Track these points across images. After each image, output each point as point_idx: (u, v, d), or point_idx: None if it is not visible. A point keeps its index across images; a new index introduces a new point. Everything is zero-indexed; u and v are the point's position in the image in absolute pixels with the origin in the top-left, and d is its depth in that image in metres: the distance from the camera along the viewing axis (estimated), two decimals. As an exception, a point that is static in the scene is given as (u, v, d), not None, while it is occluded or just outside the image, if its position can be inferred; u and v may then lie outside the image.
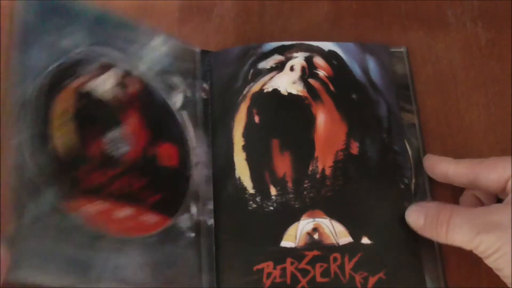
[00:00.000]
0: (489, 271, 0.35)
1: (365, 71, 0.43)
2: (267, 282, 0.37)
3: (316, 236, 0.38)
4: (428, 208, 0.37)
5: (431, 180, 0.41)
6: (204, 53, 0.43)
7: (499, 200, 0.38)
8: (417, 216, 0.38)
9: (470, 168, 0.38)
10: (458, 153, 0.42)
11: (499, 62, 0.46)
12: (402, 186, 0.40)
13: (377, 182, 0.40)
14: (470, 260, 0.38)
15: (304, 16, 0.46)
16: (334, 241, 0.38)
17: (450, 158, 0.39)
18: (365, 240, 0.38)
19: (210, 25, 0.47)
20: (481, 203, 0.39)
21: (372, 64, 0.44)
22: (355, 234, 0.38)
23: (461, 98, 0.44)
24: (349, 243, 0.38)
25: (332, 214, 0.39)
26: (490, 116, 0.44)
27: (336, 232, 0.38)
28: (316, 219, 0.38)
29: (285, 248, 0.38)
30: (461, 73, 0.45)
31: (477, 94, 0.45)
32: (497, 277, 0.35)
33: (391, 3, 0.48)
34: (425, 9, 0.48)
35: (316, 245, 0.38)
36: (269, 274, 0.38)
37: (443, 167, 0.39)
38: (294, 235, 0.38)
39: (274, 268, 0.38)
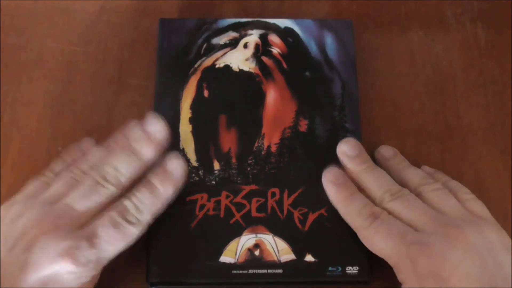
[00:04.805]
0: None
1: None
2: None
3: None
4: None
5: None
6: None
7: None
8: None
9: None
10: (457, 155, 0.42)
11: (498, 63, 0.46)
12: None
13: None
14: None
15: (304, 17, 0.46)
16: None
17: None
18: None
19: (210, 25, 0.46)
20: None
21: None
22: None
23: (461, 99, 0.44)
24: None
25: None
26: (489, 117, 0.44)
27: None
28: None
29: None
30: (461, 73, 0.45)
31: (476, 95, 0.45)
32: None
33: (391, 3, 0.48)
34: (425, 9, 0.48)
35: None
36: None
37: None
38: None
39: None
